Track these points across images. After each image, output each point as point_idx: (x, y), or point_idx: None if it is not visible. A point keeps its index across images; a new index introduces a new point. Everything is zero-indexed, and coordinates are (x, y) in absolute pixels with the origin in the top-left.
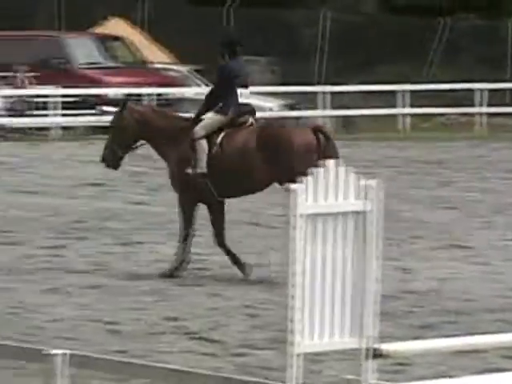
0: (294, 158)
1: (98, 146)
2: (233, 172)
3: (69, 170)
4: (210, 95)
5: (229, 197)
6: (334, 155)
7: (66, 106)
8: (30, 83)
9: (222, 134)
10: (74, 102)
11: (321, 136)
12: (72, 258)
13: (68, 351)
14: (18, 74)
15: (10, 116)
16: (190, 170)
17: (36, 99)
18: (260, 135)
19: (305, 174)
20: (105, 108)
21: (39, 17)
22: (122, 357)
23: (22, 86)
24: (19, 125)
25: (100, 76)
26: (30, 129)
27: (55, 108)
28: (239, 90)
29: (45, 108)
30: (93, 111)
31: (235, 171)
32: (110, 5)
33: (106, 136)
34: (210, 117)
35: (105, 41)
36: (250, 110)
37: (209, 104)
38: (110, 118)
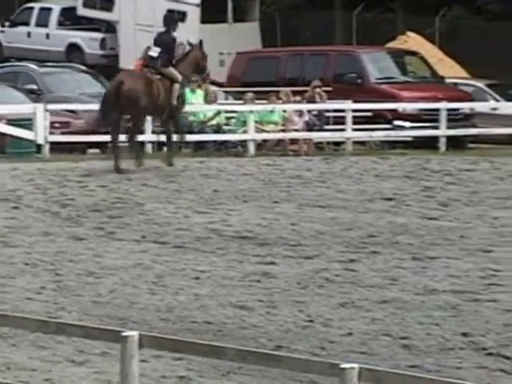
0: None
1: (392, 161)
2: None
3: (362, 185)
4: None
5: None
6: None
7: (360, 120)
8: (323, 98)
9: None
10: (368, 116)
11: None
12: (364, 272)
13: (360, 365)
14: (313, 89)
15: (308, 130)
16: None
17: (330, 114)
18: None
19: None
20: (399, 123)
21: (336, 33)
22: (413, 372)
23: (316, 101)
24: (318, 139)
25: (394, 91)
26: (324, 143)
27: (349, 123)
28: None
29: (339, 123)
30: (387, 126)
31: None
32: (405, 20)
33: (401, 150)
34: None
35: (400, 55)
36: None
37: None
38: (404, 132)
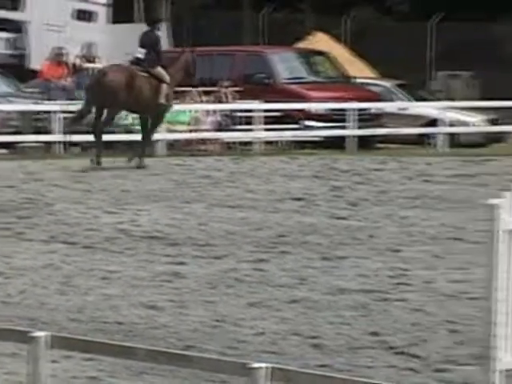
0: None
1: (301, 161)
2: None
3: (271, 185)
4: None
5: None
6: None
7: (269, 120)
8: (234, 98)
9: None
10: (277, 116)
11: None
12: (274, 271)
13: (270, 365)
14: (222, 89)
15: (218, 130)
16: None
17: (240, 114)
18: None
19: None
20: (308, 123)
21: (244, 33)
22: (323, 371)
23: (226, 101)
24: (227, 139)
25: (303, 91)
26: (234, 143)
27: (259, 123)
28: None
29: (249, 123)
30: (296, 126)
31: None
32: (314, 20)
33: (310, 150)
34: None
35: (309, 56)
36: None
37: None
38: (313, 132)
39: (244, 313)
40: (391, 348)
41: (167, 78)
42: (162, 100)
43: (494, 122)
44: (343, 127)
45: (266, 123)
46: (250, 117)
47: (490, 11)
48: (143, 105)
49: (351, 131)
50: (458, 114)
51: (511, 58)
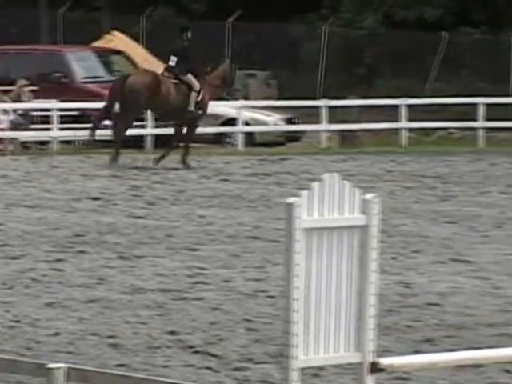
0: None
1: (97, 160)
2: None
3: (69, 184)
4: None
5: None
6: None
7: (66, 120)
8: (30, 97)
9: None
10: (74, 115)
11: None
12: (71, 271)
13: (67, 365)
14: (19, 88)
15: (14, 130)
16: None
17: (36, 113)
18: None
19: None
20: (106, 122)
21: (42, 32)
22: (121, 370)
23: (23, 100)
24: (24, 138)
25: (100, 90)
26: (30, 142)
27: (55, 122)
28: None
29: (45, 122)
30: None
31: None
32: (111, 19)
33: (106, 150)
34: None
35: (105, 55)
36: None
37: None
38: (111, 131)
39: (41, 313)
40: (189, 347)
41: (197, 85)
42: (192, 108)
43: (291, 121)
44: (141, 126)
45: (63, 122)
46: (47, 116)
47: (286, 12)
48: (169, 110)
49: (149, 130)
50: (256, 113)
51: (307, 59)
